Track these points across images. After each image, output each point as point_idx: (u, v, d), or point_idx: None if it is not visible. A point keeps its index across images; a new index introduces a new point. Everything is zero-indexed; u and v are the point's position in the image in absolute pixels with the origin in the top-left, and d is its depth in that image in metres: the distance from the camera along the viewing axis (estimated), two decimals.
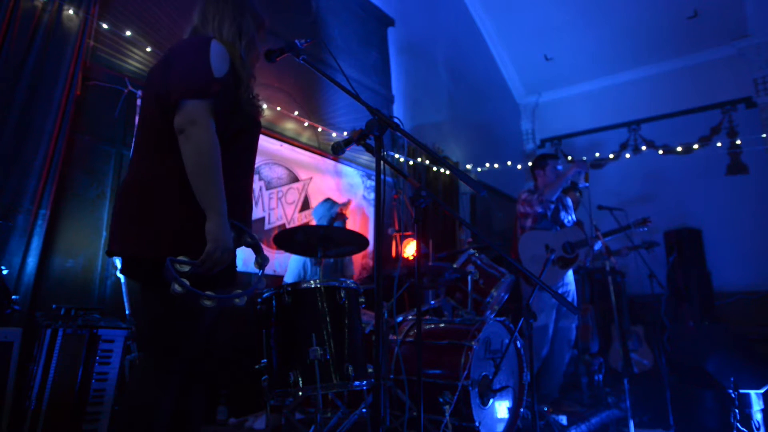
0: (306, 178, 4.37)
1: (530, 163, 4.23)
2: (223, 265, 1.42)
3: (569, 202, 4.05)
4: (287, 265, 4.07)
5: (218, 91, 1.46)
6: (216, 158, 1.42)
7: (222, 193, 1.41)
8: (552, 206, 3.77)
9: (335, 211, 3.70)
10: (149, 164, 1.50)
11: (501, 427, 2.65)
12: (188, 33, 1.69)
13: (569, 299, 3.74)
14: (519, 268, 1.86)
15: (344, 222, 3.78)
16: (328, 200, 3.81)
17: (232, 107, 1.53)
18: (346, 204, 3.84)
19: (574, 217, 4.03)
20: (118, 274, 2.76)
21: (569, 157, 7.91)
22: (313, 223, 4.29)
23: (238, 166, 1.58)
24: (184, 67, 1.49)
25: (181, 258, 1.37)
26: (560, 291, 3.71)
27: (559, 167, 3.83)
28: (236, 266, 1.59)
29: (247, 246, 1.56)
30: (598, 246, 3.79)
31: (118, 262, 2.75)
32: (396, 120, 1.59)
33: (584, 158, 3.78)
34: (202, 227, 1.40)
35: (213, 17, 1.64)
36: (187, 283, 1.31)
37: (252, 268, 3.74)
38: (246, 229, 1.55)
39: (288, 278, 3.70)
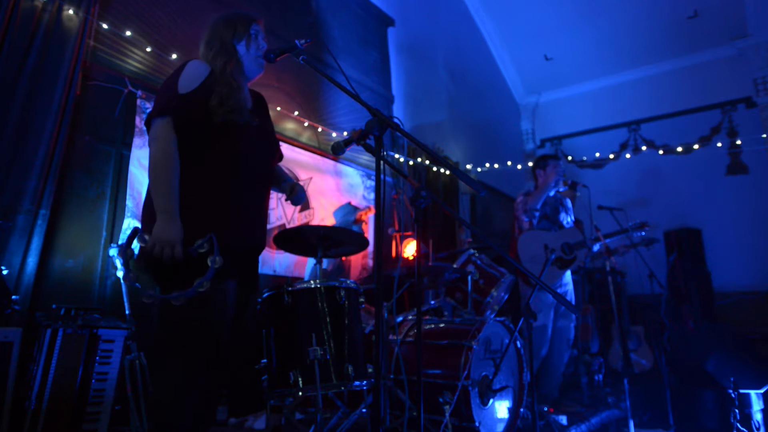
0: (306, 178, 4.37)
1: (530, 163, 4.26)
2: (167, 260, 1.53)
3: (569, 203, 4.06)
4: (287, 264, 4.07)
5: (179, 105, 1.62)
6: (165, 169, 1.59)
7: (168, 197, 1.57)
8: (537, 214, 3.82)
9: (353, 218, 3.74)
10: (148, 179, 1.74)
11: (501, 427, 2.65)
12: None
13: (568, 299, 3.74)
14: (519, 267, 1.86)
15: (361, 227, 3.80)
16: (347, 204, 3.85)
17: (205, 116, 1.65)
18: (366, 209, 3.87)
19: (572, 218, 4.04)
20: (118, 274, 2.76)
21: (569, 157, 7.91)
22: (314, 222, 4.29)
23: (212, 167, 1.68)
24: (159, 92, 1.74)
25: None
26: (558, 291, 3.72)
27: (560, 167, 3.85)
28: (207, 268, 1.60)
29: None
30: (596, 248, 3.81)
31: (118, 262, 2.75)
32: (396, 120, 1.59)
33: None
34: (207, 232, 1.56)
35: (204, 44, 1.85)
36: (132, 277, 1.51)
37: (265, 269, 3.76)
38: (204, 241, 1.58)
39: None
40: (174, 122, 1.62)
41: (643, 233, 3.82)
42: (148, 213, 1.65)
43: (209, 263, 1.55)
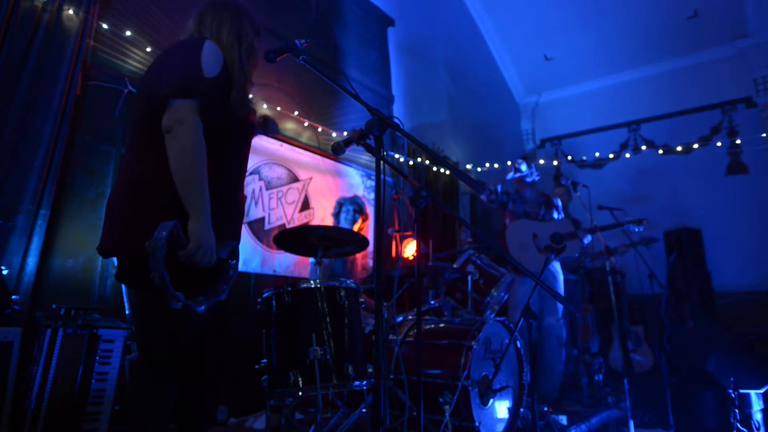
0: (306, 178, 4.37)
1: None
2: (204, 265, 1.41)
3: (558, 202, 4.09)
4: (287, 264, 4.07)
5: (205, 90, 1.47)
6: (201, 158, 1.43)
7: (205, 193, 1.43)
8: (498, 199, 3.89)
9: (353, 207, 3.83)
10: (140, 164, 1.52)
11: (501, 427, 2.65)
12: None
13: (556, 290, 3.74)
14: (518, 266, 1.85)
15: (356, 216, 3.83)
16: (358, 198, 3.98)
17: (221, 107, 1.54)
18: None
19: (562, 216, 4.06)
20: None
21: (569, 157, 7.92)
22: (314, 222, 4.30)
23: (221, 165, 1.56)
24: (175, 66, 1.51)
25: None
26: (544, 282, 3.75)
27: (520, 164, 3.91)
28: (224, 271, 1.57)
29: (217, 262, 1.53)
30: (587, 240, 3.82)
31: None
32: (396, 120, 1.59)
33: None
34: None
35: (211, 23, 1.64)
36: (167, 277, 1.31)
37: (250, 268, 3.77)
38: (228, 248, 1.54)
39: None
40: (199, 108, 1.45)
41: (641, 228, 3.83)
42: (144, 207, 1.44)
43: (230, 271, 1.52)
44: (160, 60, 1.59)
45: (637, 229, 3.83)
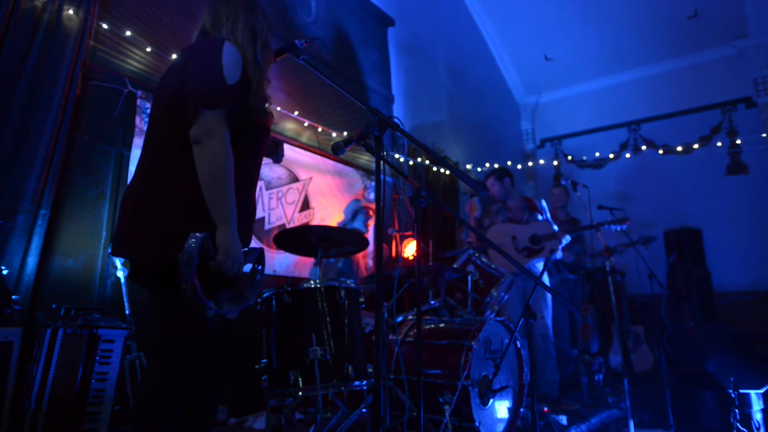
0: (306, 178, 4.37)
1: (530, 163, 4.36)
2: (232, 276, 1.43)
3: (543, 204, 4.12)
4: (287, 264, 4.07)
5: (231, 98, 1.46)
6: (229, 169, 1.42)
7: (233, 204, 1.42)
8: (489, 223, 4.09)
9: (361, 205, 3.89)
10: (159, 167, 1.49)
11: (501, 427, 2.65)
12: (196, 35, 1.67)
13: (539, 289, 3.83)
14: (518, 267, 1.86)
15: (369, 213, 3.89)
16: (356, 200, 4.02)
17: (242, 113, 1.51)
18: (372, 201, 4.04)
19: (547, 218, 4.09)
20: (118, 274, 2.76)
21: (569, 157, 7.92)
22: (314, 222, 4.30)
23: (239, 171, 1.53)
24: (199, 73, 1.48)
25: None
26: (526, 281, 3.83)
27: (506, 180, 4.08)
28: (252, 276, 1.59)
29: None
30: (566, 240, 3.85)
31: (118, 262, 2.75)
32: (396, 120, 1.59)
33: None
34: (212, 232, 1.40)
35: (226, 19, 1.60)
36: (199, 287, 1.31)
37: (265, 269, 3.77)
38: (255, 255, 1.56)
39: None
40: (225, 116, 1.44)
41: (624, 227, 3.86)
42: (172, 213, 1.43)
43: (257, 276, 1.53)
44: (183, 62, 1.55)
45: (617, 228, 3.86)
